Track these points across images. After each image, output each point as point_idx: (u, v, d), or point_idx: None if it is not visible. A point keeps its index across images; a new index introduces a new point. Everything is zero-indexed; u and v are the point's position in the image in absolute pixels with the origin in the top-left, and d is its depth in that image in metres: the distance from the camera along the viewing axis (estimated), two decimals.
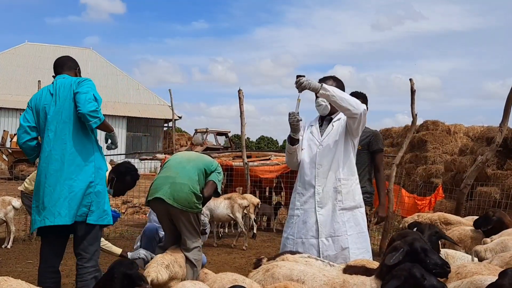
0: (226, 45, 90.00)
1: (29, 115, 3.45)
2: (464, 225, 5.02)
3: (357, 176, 3.56)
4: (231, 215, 7.23)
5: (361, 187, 3.85)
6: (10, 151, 17.11)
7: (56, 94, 3.36)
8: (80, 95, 3.23)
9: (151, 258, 4.07)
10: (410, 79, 7.16)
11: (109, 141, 3.61)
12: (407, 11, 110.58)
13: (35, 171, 4.43)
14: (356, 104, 3.28)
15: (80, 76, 3.64)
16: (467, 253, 4.24)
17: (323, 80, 3.50)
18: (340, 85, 3.57)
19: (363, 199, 3.94)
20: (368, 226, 4.16)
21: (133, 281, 2.78)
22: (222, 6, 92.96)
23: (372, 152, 4.13)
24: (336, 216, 3.45)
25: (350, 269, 3.02)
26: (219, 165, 4.26)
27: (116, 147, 3.69)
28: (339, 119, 3.54)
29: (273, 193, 10.42)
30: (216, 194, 4.23)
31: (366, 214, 4.03)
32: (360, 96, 4.03)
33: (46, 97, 3.40)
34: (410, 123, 7.58)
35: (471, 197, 8.29)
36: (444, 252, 3.80)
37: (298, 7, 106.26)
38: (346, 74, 76.28)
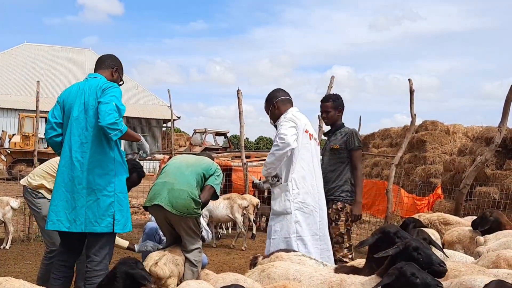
0: (224, 45, 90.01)
1: (57, 111, 3.44)
2: (463, 225, 5.02)
3: (289, 182, 3.87)
4: (230, 215, 7.22)
5: (341, 186, 4.20)
6: (9, 151, 17.07)
7: (83, 97, 3.34)
8: (102, 105, 3.19)
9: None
10: (409, 79, 7.15)
11: (140, 150, 3.63)
12: (405, 11, 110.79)
13: (40, 167, 4.45)
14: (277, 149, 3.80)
15: (119, 75, 3.61)
16: (465, 253, 4.24)
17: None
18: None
19: (344, 197, 4.13)
20: (350, 225, 4.32)
21: (136, 280, 2.78)
22: (220, 6, 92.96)
23: (349, 150, 4.27)
24: (270, 220, 4.05)
25: (341, 269, 3.15)
26: (219, 167, 4.23)
27: (148, 155, 3.71)
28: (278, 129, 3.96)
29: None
30: (215, 197, 4.21)
31: (347, 213, 4.19)
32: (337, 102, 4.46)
33: (74, 95, 3.37)
34: (408, 123, 7.57)
35: (470, 197, 8.28)
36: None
37: (296, 7, 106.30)
38: (344, 74, 76.30)
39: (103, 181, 3.26)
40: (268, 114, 4.16)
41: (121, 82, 3.65)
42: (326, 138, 4.61)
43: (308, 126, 4.01)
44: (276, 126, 4.07)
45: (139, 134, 3.60)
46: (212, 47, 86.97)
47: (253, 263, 3.76)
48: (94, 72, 3.54)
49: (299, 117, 3.95)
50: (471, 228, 4.65)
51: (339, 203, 4.20)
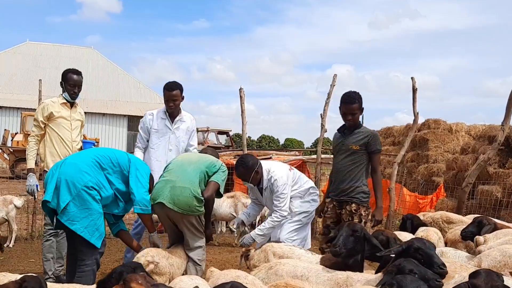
0: (225, 44, 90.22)
1: None
2: (466, 224, 5.01)
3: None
4: (234, 214, 7.20)
5: (357, 187, 4.15)
6: (11, 150, 17.10)
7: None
8: (138, 179, 3.77)
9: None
10: (412, 78, 7.14)
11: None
12: (405, 9, 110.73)
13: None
14: (277, 222, 4.45)
15: None
16: (469, 252, 4.24)
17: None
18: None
19: (359, 198, 4.15)
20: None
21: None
22: (222, 4, 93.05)
23: (369, 153, 4.17)
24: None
25: (327, 257, 3.37)
26: (223, 164, 4.19)
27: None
28: (266, 188, 4.51)
29: None
30: (218, 195, 4.17)
31: (361, 215, 4.13)
32: (361, 102, 4.28)
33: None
34: (410, 122, 7.58)
35: (472, 195, 8.29)
36: (440, 250, 3.80)
37: (298, 5, 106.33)
38: (344, 72, 76.24)
39: (86, 172, 3.62)
40: (246, 180, 4.49)
41: None
42: (338, 134, 4.41)
43: (285, 166, 4.71)
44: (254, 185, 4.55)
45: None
46: (213, 46, 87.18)
47: (246, 256, 3.80)
48: None
49: (282, 172, 4.50)
50: None
51: (353, 204, 4.14)
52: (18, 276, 2.71)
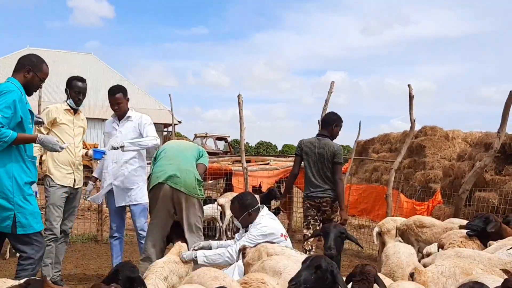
0: (222, 50, 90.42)
1: None
2: (438, 227, 5.07)
3: None
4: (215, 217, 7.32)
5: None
6: None
7: None
8: None
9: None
10: (409, 85, 7.21)
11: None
12: (396, 16, 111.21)
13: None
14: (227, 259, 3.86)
15: (34, 74, 3.67)
16: None
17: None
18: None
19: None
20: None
21: (134, 285, 2.80)
22: (220, 10, 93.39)
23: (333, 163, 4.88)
24: None
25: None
26: (205, 150, 4.72)
27: (54, 148, 3.64)
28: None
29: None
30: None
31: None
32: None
33: None
34: (406, 128, 7.63)
35: (469, 202, 8.31)
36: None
37: (295, 11, 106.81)
38: (338, 79, 76.19)
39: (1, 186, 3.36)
40: (237, 216, 4.12)
41: (41, 82, 3.73)
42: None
43: (283, 229, 4.07)
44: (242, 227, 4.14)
45: (36, 134, 3.59)
46: (210, 52, 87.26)
47: (243, 255, 3.83)
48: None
49: (272, 226, 3.94)
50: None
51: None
52: (9, 280, 2.69)
